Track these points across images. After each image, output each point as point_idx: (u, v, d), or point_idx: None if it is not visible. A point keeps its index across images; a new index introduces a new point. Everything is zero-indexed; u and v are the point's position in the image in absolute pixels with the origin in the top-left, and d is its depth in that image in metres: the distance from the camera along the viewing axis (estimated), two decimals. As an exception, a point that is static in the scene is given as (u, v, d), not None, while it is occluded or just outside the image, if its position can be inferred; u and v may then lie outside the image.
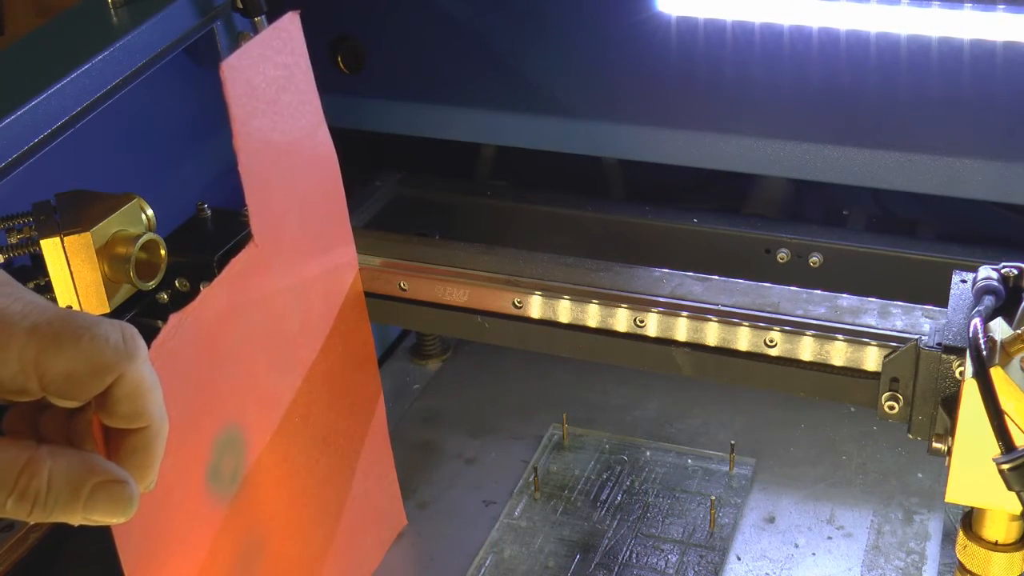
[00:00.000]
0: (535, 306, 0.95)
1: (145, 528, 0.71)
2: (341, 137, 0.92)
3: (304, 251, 0.88)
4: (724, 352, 0.90)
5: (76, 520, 0.51)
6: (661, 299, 0.92)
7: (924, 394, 0.82)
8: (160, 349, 0.70)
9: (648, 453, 1.14)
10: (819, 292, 0.91)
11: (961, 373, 0.79)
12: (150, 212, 0.91)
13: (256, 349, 0.83)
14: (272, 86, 0.81)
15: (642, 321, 0.92)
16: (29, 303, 0.50)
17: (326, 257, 0.92)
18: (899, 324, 0.86)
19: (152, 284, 0.91)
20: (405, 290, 0.99)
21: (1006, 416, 0.67)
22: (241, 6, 1.07)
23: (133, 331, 0.51)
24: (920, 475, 1.09)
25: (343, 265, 0.95)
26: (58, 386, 0.50)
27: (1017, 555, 0.79)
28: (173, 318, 0.72)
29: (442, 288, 0.98)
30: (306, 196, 0.88)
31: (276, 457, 0.87)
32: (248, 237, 0.81)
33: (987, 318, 0.73)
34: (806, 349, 0.87)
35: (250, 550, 0.85)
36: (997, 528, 0.79)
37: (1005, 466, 0.67)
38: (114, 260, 0.87)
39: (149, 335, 0.54)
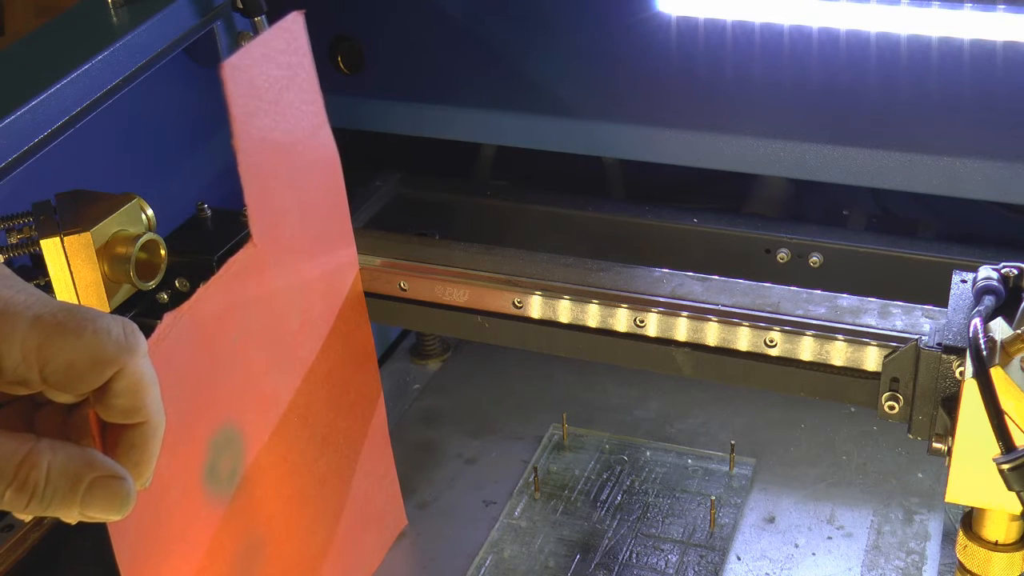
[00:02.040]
0: (535, 306, 0.95)
1: (141, 527, 0.71)
2: (341, 137, 0.91)
3: (304, 251, 0.88)
4: (724, 352, 0.90)
5: (72, 516, 0.51)
6: (661, 299, 0.92)
7: (924, 394, 0.82)
8: (155, 347, 0.70)
9: (648, 453, 1.14)
10: (819, 292, 0.91)
11: (961, 373, 0.79)
12: (150, 212, 0.91)
13: (255, 349, 0.83)
14: (274, 86, 0.81)
15: (642, 321, 0.91)
16: (33, 295, 0.51)
17: (326, 257, 0.92)
18: (899, 324, 0.86)
19: (152, 284, 0.91)
20: (405, 290, 0.99)
21: (1006, 416, 0.67)
22: (241, 6, 1.08)
23: (133, 326, 0.52)
24: (920, 475, 1.09)
25: (344, 265, 0.95)
26: (59, 377, 0.50)
27: (1017, 555, 0.79)
28: (168, 317, 0.72)
29: (442, 288, 0.98)
30: (307, 196, 0.88)
31: (275, 457, 0.87)
32: (247, 237, 0.81)
33: (987, 318, 0.73)
34: (806, 349, 0.87)
35: (249, 550, 0.85)
36: (997, 528, 0.79)
37: (1005, 466, 0.67)
38: (114, 260, 0.87)
39: (148, 334, 0.54)
